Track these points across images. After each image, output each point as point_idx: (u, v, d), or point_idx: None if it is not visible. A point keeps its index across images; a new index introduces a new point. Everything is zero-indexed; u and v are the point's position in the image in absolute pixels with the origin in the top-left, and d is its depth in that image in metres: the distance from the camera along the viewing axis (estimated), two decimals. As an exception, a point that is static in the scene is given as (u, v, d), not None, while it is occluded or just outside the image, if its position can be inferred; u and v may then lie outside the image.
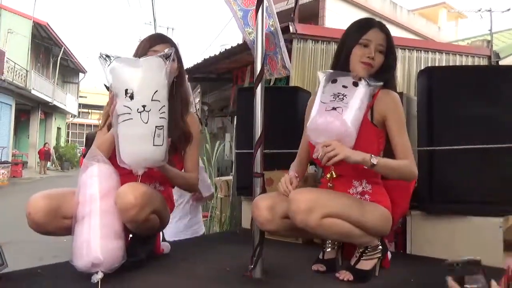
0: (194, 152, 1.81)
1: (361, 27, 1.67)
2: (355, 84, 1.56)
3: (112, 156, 1.58)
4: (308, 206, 1.40)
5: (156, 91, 1.49)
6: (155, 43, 1.75)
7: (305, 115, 1.78)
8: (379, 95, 1.63)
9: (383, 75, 1.65)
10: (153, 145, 1.47)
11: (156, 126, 1.48)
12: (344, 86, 1.56)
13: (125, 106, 1.46)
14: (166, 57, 1.55)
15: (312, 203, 1.41)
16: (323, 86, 1.61)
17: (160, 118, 1.50)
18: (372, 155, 1.48)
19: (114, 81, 1.51)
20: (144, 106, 1.46)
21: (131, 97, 1.46)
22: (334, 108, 1.50)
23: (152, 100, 1.48)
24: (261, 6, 1.68)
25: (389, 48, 1.66)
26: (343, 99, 1.52)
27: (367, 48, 1.62)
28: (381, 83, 1.59)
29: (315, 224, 1.41)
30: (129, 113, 1.46)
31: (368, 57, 1.61)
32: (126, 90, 1.46)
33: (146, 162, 1.51)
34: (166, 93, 1.54)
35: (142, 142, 1.47)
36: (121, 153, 1.49)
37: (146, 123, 1.46)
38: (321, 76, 1.64)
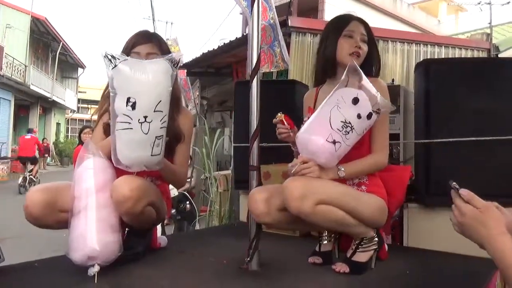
0: (185, 148, 1.79)
1: (341, 21, 1.72)
2: (369, 116, 1.46)
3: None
4: (302, 192, 1.39)
5: (160, 101, 1.42)
6: (137, 44, 1.69)
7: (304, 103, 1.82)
8: None
9: (370, 65, 1.71)
10: (151, 155, 1.44)
11: (156, 137, 1.43)
12: (358, 116, 1.44)
13: (126, 115, 1.39)
14: (174, 62, 1.46)
15: (305, 190, 1.40)
16: (342, 83, 1.48)
17: (160, 128, 1.45)
18: (340, 169, 1.52)
19: (116, 84, 1.40)
20: (145, 117, 1.39)
21: (133, 107, 1.38)
22: (334, 142, 1.43)
23: (154, 111, 1.41)
24: (257, -2, 1.67)
25: (370, 38, 1.71)
26: (348, 133, 1.44)
27: (352, 39, 1.66)
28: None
29: (309, 211, 1.41)
30: (129, 123, 1.39)
31: (355, 47, 1.65)
32: (129, 99, 1.38)
33: (143, 166, 1.49)
34: (168, 101, 1.47)
35: (140, 149, 1.43)
36: (118, 154, 1.44)
37: (146, 133, 1.40)
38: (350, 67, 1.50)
